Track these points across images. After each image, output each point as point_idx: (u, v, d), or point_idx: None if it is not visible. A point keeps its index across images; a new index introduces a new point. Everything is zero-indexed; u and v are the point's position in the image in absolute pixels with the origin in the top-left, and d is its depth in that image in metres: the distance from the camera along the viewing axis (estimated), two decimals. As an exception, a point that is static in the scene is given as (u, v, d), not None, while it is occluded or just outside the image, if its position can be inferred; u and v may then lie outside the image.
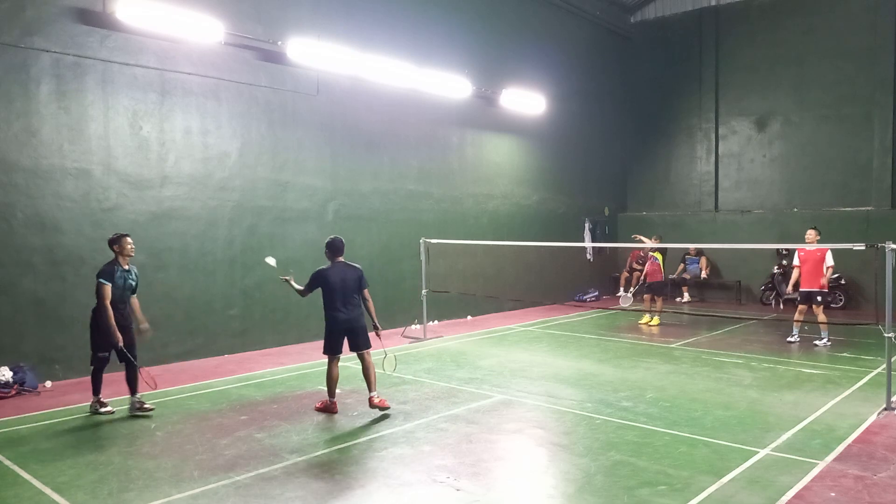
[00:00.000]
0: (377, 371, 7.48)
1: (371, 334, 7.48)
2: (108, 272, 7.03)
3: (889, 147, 15.83)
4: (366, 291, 7.43)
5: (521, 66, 16.26)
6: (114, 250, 7.19)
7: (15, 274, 8.52)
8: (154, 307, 9.74)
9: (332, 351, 7.28)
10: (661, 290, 14.07)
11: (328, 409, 7.27)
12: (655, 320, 13.61)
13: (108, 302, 6.93)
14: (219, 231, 10.56)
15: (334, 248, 7.36)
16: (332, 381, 7.30)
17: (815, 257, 11.08)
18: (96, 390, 7.33)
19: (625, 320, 14.44)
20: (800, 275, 11.31)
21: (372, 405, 7.18)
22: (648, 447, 6.03)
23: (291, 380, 8.92)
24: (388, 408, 7.22)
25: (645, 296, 13.87)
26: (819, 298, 11.05)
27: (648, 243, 13.36)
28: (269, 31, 11.06)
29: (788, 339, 11.41)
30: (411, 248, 12.84)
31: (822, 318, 11.07)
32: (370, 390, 7.28)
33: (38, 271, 8.71)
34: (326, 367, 7.32)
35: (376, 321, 7.45)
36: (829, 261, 10.99)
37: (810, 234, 11.11)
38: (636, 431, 6.50)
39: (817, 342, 11.14)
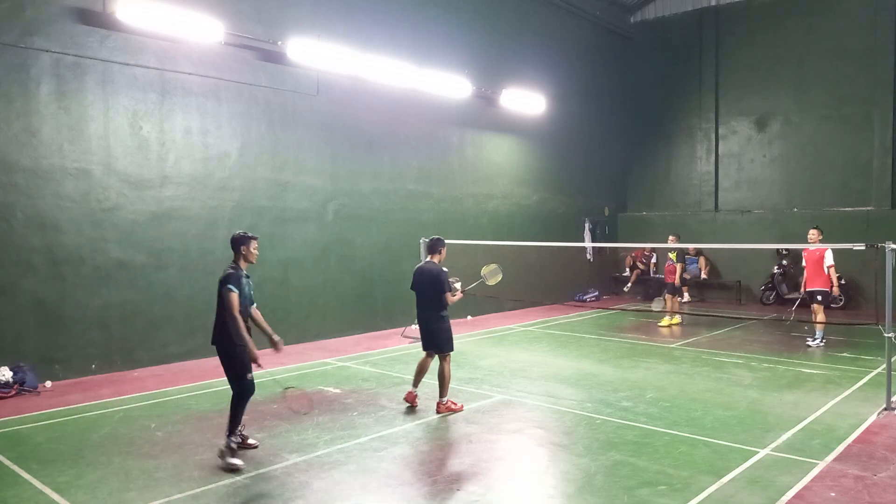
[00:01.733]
0: None
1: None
2: (235, 278, 5.78)
3: (889, 147, 15.83)
4: (448, 295, 7.28)
5: (521, 66, 16.26)
6: (239, 252, 6.00)
7: (15, 274, 8.51)
8: (154, 307, 9.78)
9: (422, 346, 7.55)
10: (674, 290, 13.78)
11: (407, 398, 7.48)
12: (664, 321, 13.55)
13: (237, 312, 5.70)
14: (219, 231, 10.56)
15: (427, 247, 7.66)
16: (416, 370, 7.54)
17: (815, 257, 11.07)
18: (238, 423, 5.84)
19: (625, 320, 14.44)
20: (806, 275, 11.35)
21: (437, 412, 7.24)
22: (648, 447, 6.03)
23: (291, 380, 8.89)
24: (458, 409, 7.26)
25: (666, 297, 13.80)
26: (819, 298, 11.00)
27: (670, 244, 13.31)
28: (269, 31, 11.06)
29: (808, 341, 11.17)
30: (411, 248, 12.83)
31: (820, 317, 11.01)
32: (439, 396, 7.36)
33: (38, 271, 8.71)
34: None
35: (458, 297, 7.46)
36: (829, 259, 10.90)
37: (812, 233, 11.03)
38: (636, 431, 6.50)
39: (810, 342, 11.08)
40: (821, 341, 11.07)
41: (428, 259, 7.55)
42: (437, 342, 7.34)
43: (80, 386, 8.58)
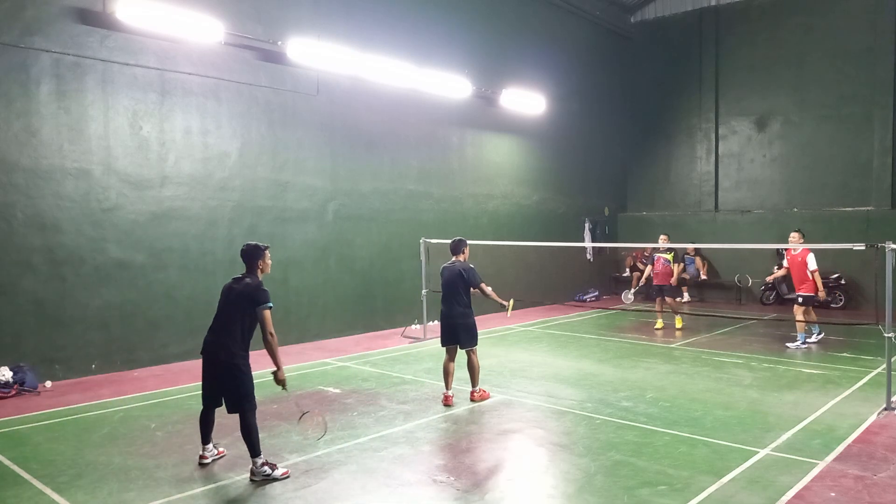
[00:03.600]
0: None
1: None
2: (269, 294, 5.56)
3: (889, 147, 15.83)
4: (482, 285, 7.67)
5: (521, 66, 16.26)
6: (255, 266, 5.67)
7: (15, 274, 8.51)
8: (154, 307, 9.78)
9: (441, 342, 7.76)
10: (673, 292, 13.44)
11: (444, 401, 7.60)
12: (679, 321, 13.09)
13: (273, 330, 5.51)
14: (219, 231, 10.56)
15: (451, 248, 7.95)
16: (443, 373, 7.70)
17: (797, 261, 10.84)
18: (258, 437, 5.47)
19: (625, 320, 14.43)
20: (786, 274, 11.45)
21: (472, 400, 7.68)
22: (648, 447, 6.03)
23: (291, 380, 8.82)
24: (487, 397, 7.78)
25: (657, 299, 13.19)
26: (801, 300, 10.86)
27: (662, 244, 12.79)
28: (269, 31, 11.06)
29: (788, 344, 11.04)
30: (411, 248, 12.84)
31: (798, 317, 10.88)
32: (471, 386, 7.78)
33: (38, 271, 8.71)
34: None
35: (497, 300, 7.89)
36: (811, 264, 10.62)
37: (793, 236, 10.71)
38: (636, 431, 6.50)
39: (789, 344, 10.97)
40: (801, 344, 10.89)
41: (453, 260, 7.85)
42: (462, 337, 7.59)
43: (80, 386, 8.58)
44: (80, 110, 9.05)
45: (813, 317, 11.08)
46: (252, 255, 5.68)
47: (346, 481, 5.33)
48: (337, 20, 12.04)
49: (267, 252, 5.76)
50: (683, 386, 8.40)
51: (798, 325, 10.99)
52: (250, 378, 5.54)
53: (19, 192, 8.56)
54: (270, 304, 5.52)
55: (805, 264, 10.72)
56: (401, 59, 12.73)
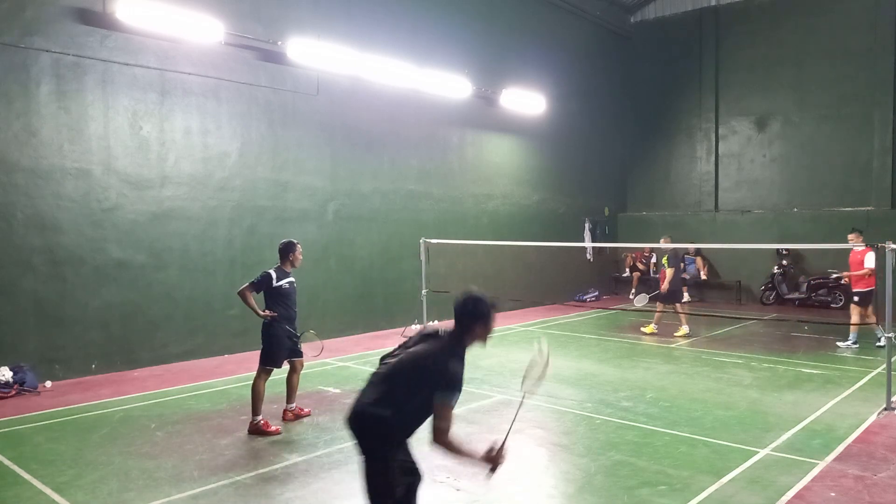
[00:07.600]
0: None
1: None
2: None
3: (889, 147, 15.83)
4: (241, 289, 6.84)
5: (521, 66, 16.26)
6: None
7: (15, 274, 8.51)
8: (154, 307, 9.78)
9: None
10: (668, 297, 12.34)
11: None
12: (650, 328, 12.46)
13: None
14: (219, 231, 10.56)
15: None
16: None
17: (857, 259, 10.96)
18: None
19: (625, 320, 14.43)
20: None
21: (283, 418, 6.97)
22: (648, 447, 6.04)
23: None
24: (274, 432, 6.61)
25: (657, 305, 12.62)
26: (856, 299, 10.92)
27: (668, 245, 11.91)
28: (269, 31, 11.06)
29: (838, 343, 11.02)
30: (411, 248, 12.83)
31: (853, 318, 10.93)
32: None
33: (38, 271, 8.71)
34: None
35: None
36: (869, 262, 10.69)
37: (851, 236, 10.86)
38: (636, 431, 6.50)
39: (840, 343, 10.95)
40: (853, 343, 10.84)
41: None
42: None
43: (80, 386, 8.58)
44: (80, 110, 9.05)
45: (872, 319, 10.83)
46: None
47: (346, 481, 5.33)
48: (337, 20, 12.04)
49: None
50: (683, 386, 8.41)
51: (852, 326, 10.93)
52: (383, 475, 3.66)
53: (19, 192, 8.55)
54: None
55: (862, 263, 10.78)
56: (401, 59, 12.73)
